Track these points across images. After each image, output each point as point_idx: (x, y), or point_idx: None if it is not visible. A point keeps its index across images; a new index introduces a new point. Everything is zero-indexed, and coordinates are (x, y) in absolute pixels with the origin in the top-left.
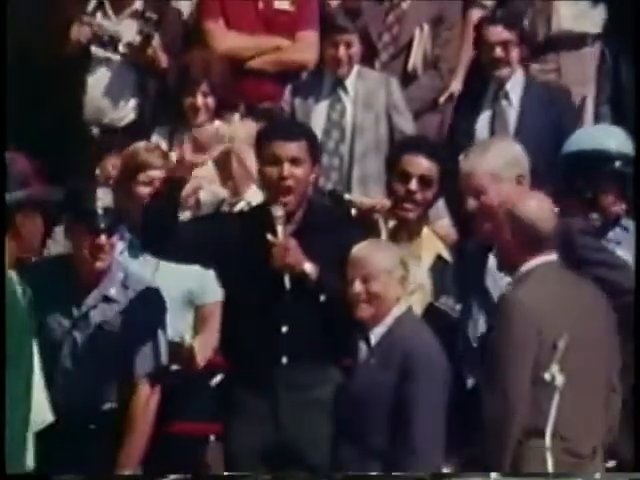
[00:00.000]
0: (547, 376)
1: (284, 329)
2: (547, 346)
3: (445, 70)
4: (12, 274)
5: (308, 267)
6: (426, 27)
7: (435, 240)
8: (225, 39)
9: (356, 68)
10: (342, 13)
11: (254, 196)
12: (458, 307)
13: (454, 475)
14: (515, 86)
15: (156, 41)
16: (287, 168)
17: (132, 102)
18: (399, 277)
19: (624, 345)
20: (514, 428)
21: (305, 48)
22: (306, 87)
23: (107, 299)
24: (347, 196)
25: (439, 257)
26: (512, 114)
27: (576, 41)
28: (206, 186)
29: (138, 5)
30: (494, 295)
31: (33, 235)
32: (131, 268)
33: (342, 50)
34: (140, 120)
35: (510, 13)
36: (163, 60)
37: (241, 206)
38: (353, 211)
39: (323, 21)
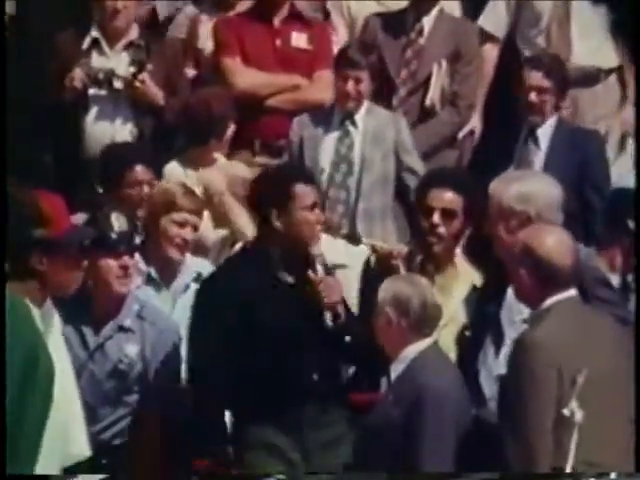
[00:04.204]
0: (566, 412)
1: (315, 377)
2: (566, 383)
3: (463, 106)
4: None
5: (340, 308)
6: (444, 63)
7: (470, 270)
8: (244, 76)
9: (366, 104)
10: (356, 48)
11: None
12: None
13: (457, 475)
14: (546, 132)
15: (147, 75)
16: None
17: (130, 138)
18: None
19: None
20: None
21: (323, 88)
22: (315, 119)
23: (123, 329)
24: (365, 240)
25: (475, 287)
26: (539, 157)
27: (591, 77)
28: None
29: (132, 36)
30: (505, 330)
31: (64, 275)
32: (148, 300)
33: (350, 85)
34: (137, 155)
35: (553, 60)
36: (158, 96)
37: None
38: (372, 256)
39: (336, 54)
